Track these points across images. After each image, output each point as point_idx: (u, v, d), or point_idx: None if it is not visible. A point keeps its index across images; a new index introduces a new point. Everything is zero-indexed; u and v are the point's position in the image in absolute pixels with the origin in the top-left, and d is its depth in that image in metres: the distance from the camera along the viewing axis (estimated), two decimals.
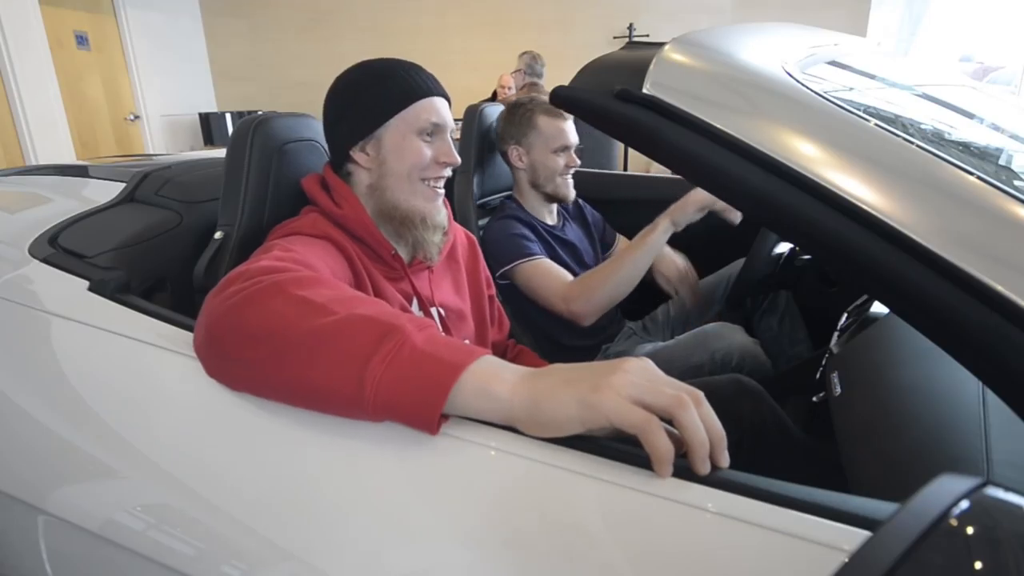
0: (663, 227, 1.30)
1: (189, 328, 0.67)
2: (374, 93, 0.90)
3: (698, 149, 0.56)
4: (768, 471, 0.47)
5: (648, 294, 1.56)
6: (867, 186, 0.50)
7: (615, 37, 5.40)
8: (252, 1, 6.05)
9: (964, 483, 0.37)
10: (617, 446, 0.49)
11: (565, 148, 1.46)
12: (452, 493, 0.51)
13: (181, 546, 0.58)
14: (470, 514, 0.50)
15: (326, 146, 1.00)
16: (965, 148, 0.67)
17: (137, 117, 5.52)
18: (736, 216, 1.33)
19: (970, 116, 0.84)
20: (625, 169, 4.24)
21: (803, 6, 4.92)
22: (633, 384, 0.47)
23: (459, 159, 0.95)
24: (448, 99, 0.95)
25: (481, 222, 1.51)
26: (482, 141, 1.51)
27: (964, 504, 0.36)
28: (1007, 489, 0.37)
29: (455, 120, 1.04)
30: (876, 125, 0.54)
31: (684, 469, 0.46)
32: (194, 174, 1.12)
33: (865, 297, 1.06)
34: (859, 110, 0.56)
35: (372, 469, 0.54)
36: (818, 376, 0.96)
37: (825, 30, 0.87)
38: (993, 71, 4.87)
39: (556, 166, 1.46)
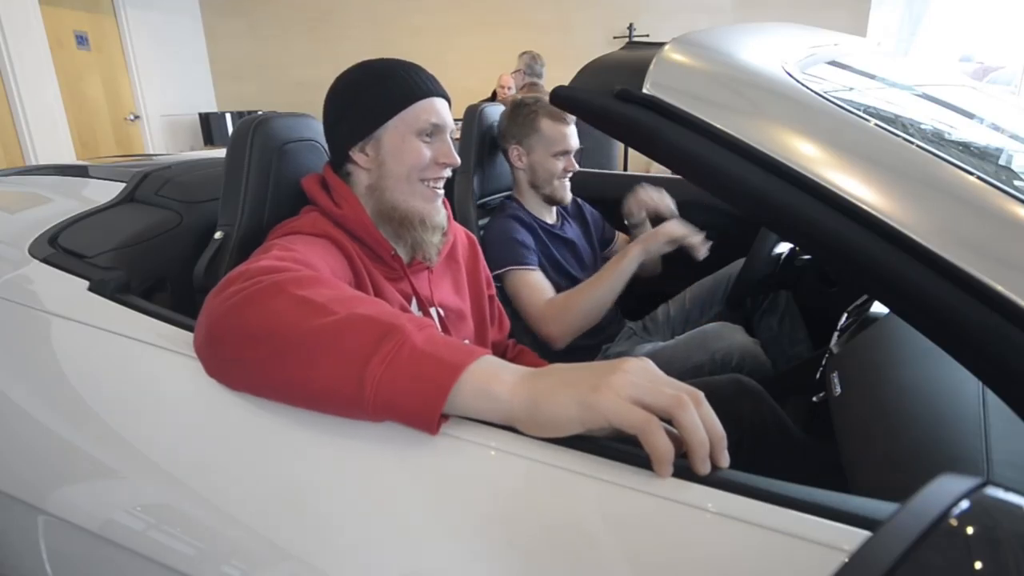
0: (634, 254, 1.32)
1: (189, 328, 0.67)
2: (374, 93, 0.90)
3: (698, 149, 0.56)
4: (768, 471, 0.47)
5: (648, 294, 1.56)
6: (867, 186, 0.50)
7: (615, 37, 5.39)
8: (252, 1, 6.05)
9: (964, 483, 0.37)
10: (617, 446, 0.49)
11: (565, 152, 1.47)
12: (452, 493, 0.51)
13: (181, 546, 0.58)
14: (470, 514, 0.50)
15: (326, 146, 1.00)
16: (965, 148, 0.67)
17: (137, 117, 5.52)
18: (701, 253, 1.35)
19: (970, 116, 0.84)
20: (625, 169, 4.24)
21: (803, 6, 4.92)
22: (633, 384, 0.47)
23: (459, 160, 0.95)
24: (448, 99, 0.95)
25: (481, 222, 1.51)
26: (482, 141, 1.51)
27: (964, 504, 0.36)
28: (1007, 489, 0.37)
29: (455, 120, 1.04)
30: (876, 125, 0.54)
31: (684, 469, 0.46)
32: (194, 174, 1.12)
33: (865, 297, 1.06)
34: (859, 110, 0.56)
35: (372, 469, 0.54)
36: (818, 376, 0.96)
37: (825, 30, 0.87)
38: (993, 71, 4.87)
39: (555, 169, 1.46)
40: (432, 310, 0.97)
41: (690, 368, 1.29)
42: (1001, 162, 0.66)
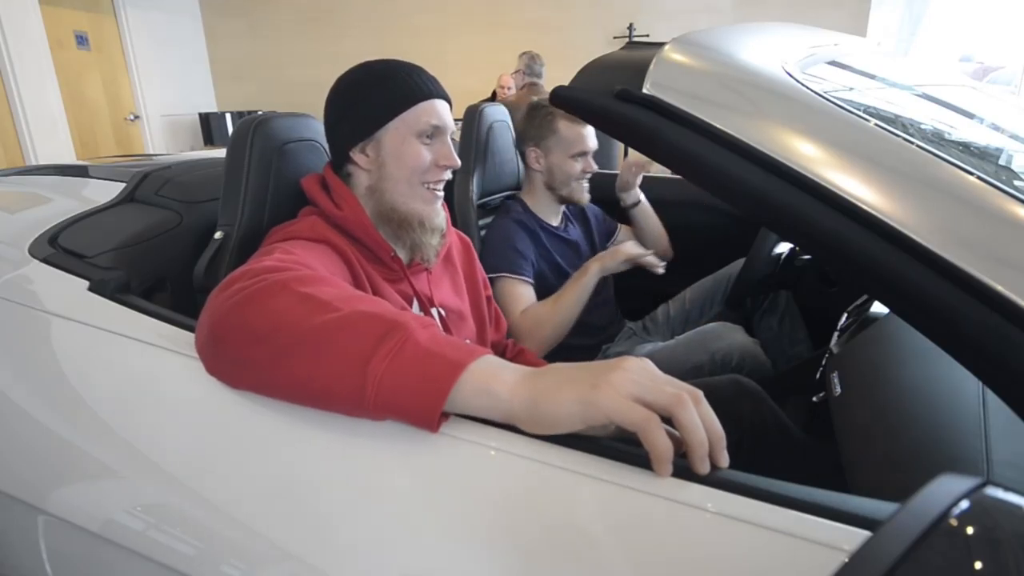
0: (593, 271, 1.35)
1: (189, 328, 0.67)
2: (375, 95, 0.90)
3: (698, 149, 0.56)
4: (768, 471, 0.47)
5: (648, 294, 1.56)
6: (867, 186, 0.50)
7: (615, 37, 5.40)
8: (252, 1, 6.05)
9: (964, 483, 0.37)
10: (617, 446, 0.49)
11: (583, 153, 1.47)
12: (452, 493, 0.51)
13: (181, 546, 0.58)
14: (470, 514, 0.50)
15: (326, 146, 1.00)
16: (965, 148, 0.67)
17: (137, 117, 5.53)
18: (659, 269, 1.38)
19: (970, 116, 0.84)
20: None
21: (803, 6, 4.92)
22: (633, 382, 0.47)
23: (459, 162, 0.95)
24: (449, 101, 0.95)
25: (482, 222, 1.51)
26: (482, 141, 1.51)
27: (964, 504, 0.36)
28: (1007, 489, 0.37)
29: (455, 120, 1.04)
30: (876, 125, 0.54)
31: (684, 469, 0.46)
32: (194, 174, 1.12)
33: (865, 297, 1.06)
34: (859, 110, 0.56)
35: (372, 469, 0.54)
36: (818, 376, 0.96)
37: (825, 30, 0.87)
38: (993, 71, 4.87)
39: (573, 171, 1.47)
40: (433, 310, 0.97)
41: (690, 368, 1.30)
42: (1001, 162, 0.66)
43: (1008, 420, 0.50)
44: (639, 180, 1.62)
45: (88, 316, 0.73)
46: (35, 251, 0.84)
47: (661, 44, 0.62)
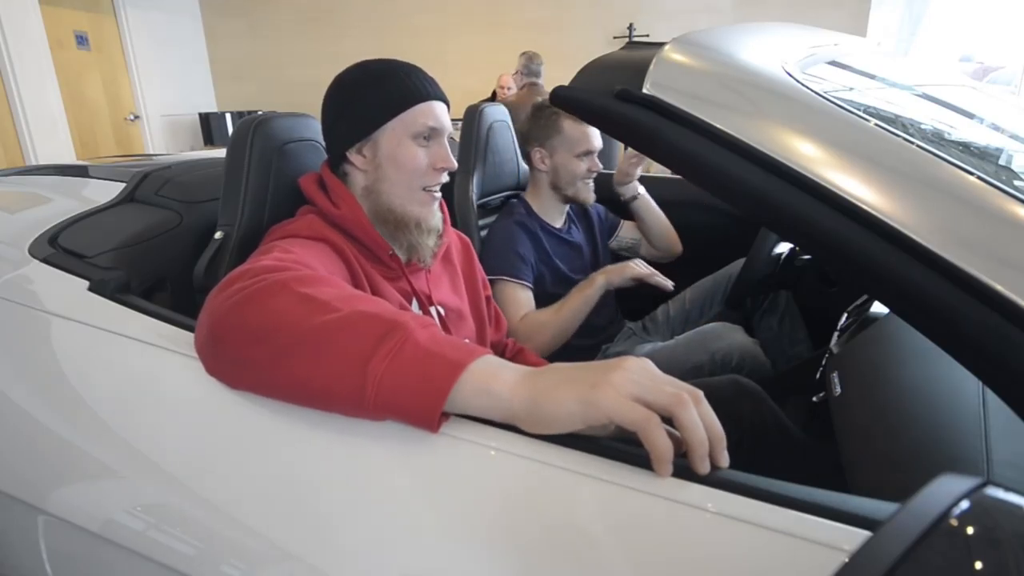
0: (599, 284, 1.35)
1: (189, 328, 0.67)
2: (372, 95, 0.90)
3: (698, 149, 0.56)
4: (768, 471, 0.47)
5: (648, 294, 1.56)
6: (867, 186, 0.50)
7: (615, 37, 5.39)
8: (252, 1, 6.05)
9: (964, 483, 0.37)
10: (617, 446, 0.49)
11: (588, 153, 1.47)
12: (452, 493, 0.51)
13: (181, 546, 0.58)
14: (470, 514, 0.50)
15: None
16: (965, 148, 0.67)
17: (137, 117, 5.53)
18: (668, 285, 1.38)
19: (970, 116, 0.84)
20: None
21: (803, 6, 4.92)
22: (633, 382, 0.47)
23: (455, 164, 0.94)
24: (447, 102, 0.95)
25: (482, 222, 1.51)
26: (482, 141, 1.51)
27: (964, 504, 0.36)
28: (1007, 489, 0.37)
29: (454, 120, 1.04)
30: (876, 125, 0.54)
31: (684, 469, 0.46)
32: (194, 174, 1.12)
33: (865, 297, 1.06)
34: (859, 110, 0.56)
35: (372, 469, 0.54)
36: (818, 376, 0.96)
37: (825, 30, 0.87)
38: (993, 71, 4.87)
39: (578, 170, 1.47)
40: (432, 309, 0.97)
41: (690, 368, 1.30)
42: (1001, 162, 0.66)
43: (1008, 420, 0.50)
44: (639, 172, 1.60)
45: (88, 316, 0.73)
46: (35, 251, 0.84)
47: (661, 44, 0.62)
